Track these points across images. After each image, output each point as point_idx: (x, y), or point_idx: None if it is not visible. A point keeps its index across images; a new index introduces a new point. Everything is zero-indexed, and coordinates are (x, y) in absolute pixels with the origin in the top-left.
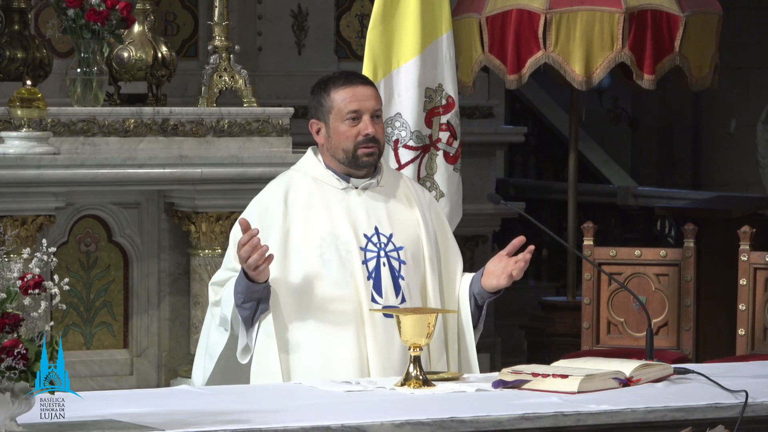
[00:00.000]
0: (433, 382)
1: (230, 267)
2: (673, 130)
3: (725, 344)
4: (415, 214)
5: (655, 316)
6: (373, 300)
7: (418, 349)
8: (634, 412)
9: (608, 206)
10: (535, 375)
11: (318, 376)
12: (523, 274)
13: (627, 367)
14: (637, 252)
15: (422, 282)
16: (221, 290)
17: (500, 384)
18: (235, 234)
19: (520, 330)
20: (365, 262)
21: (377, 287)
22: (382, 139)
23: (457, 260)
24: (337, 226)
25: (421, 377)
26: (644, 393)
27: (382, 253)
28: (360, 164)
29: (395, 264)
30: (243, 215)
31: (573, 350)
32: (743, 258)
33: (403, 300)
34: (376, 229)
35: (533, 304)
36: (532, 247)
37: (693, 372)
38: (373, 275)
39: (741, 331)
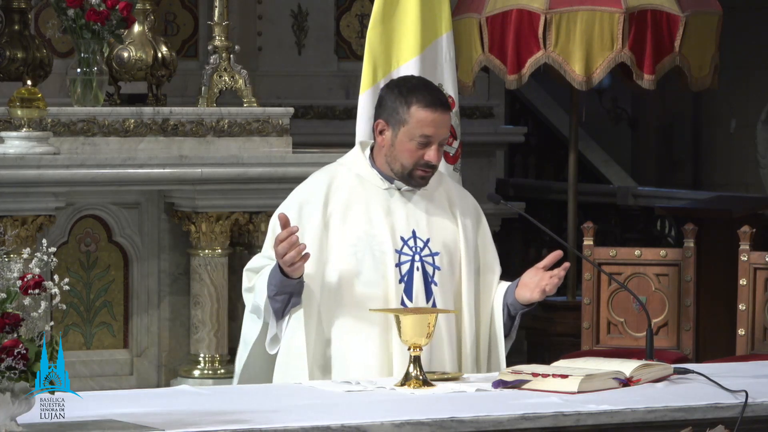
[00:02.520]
0: (433, 382)
1: (267, 255)
2: (673, 130)
3: (725, 344)
4: (455, 219)
5: (655, 316)
6: (403, 303)
7: (418, 349)
8: (634, 412)
9: (608, 206)
10: (535, 375)
11: (342, 373)
12: (556, 289)
13: (627, 367)
14: (637, 252)
15: (457, 289)
16: (255, 277)
17: (500, 384)
18: (274, 223)
19: (520, 330)
20: (399, 264)
21: (408, 291)
22: (439, 165)
23: (495, 268)
24: (374, 227)
25: (421, 377)
26: (644, 393)
27: (416, 257)
28: (413, 183)
29: (429, 269)
30: (284, 205)
31: (573, 350)
32: (743, 258)
33: (434, 306)
34: (414, 232)
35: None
36: (567, 264)
37: (693, 372)
38: (405, 279)
39: (741, 331)
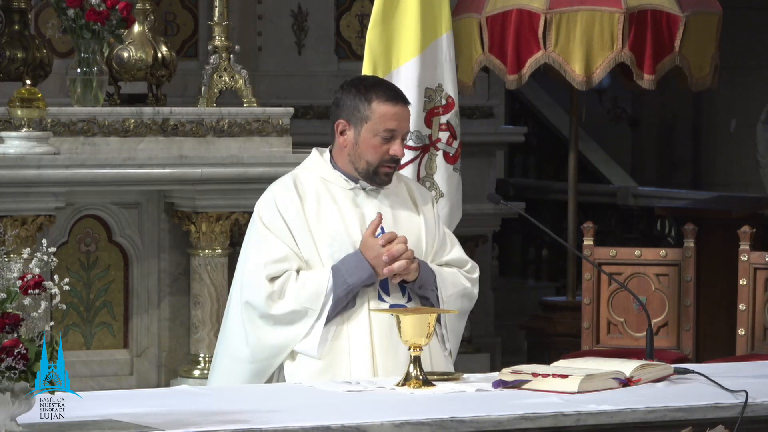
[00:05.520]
0: (433, 382)
1: (277, 258)
2: (673, 130)
3: (725, 344)
4: (417, 215)
5: (655, 316)
6: (380, 298)
7: (418, 349)
8: (634, 412)
9: (608, 206)
10: (535, 375)
11: (326, 375)
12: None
13: (627, 367)
14: (637, 252)
15: None
16: (288, 282)
17: (500, 384)
18: (272, 221)
19: (520, 330)
20: None
21: (384, 286)
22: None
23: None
24: (348, 226)
25: (421, 377)
26: (644, 393)
27: None
28: (378, 180)
29: None
30: (262, 209)
31: (573, 350)
32: (743, 258)
33: (410, 299)
34: (382, 229)
35: (533, 304)
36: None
37: (693, 372)
38: None
39: (741, 331)
